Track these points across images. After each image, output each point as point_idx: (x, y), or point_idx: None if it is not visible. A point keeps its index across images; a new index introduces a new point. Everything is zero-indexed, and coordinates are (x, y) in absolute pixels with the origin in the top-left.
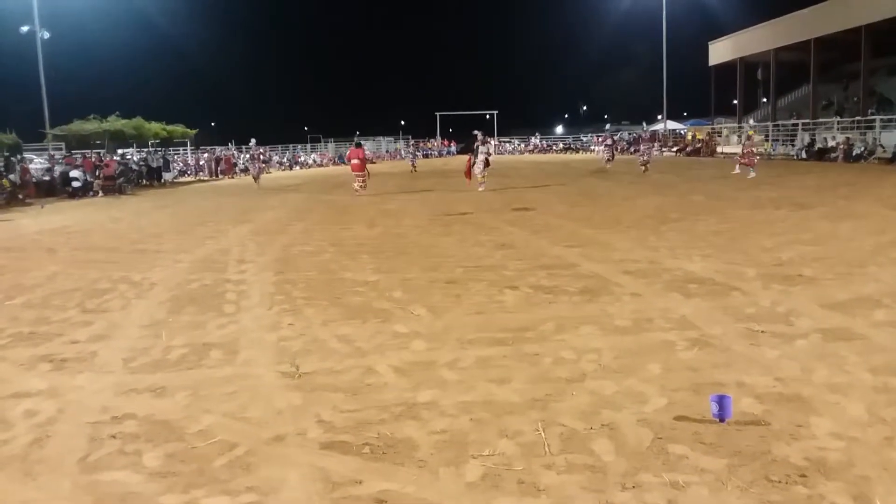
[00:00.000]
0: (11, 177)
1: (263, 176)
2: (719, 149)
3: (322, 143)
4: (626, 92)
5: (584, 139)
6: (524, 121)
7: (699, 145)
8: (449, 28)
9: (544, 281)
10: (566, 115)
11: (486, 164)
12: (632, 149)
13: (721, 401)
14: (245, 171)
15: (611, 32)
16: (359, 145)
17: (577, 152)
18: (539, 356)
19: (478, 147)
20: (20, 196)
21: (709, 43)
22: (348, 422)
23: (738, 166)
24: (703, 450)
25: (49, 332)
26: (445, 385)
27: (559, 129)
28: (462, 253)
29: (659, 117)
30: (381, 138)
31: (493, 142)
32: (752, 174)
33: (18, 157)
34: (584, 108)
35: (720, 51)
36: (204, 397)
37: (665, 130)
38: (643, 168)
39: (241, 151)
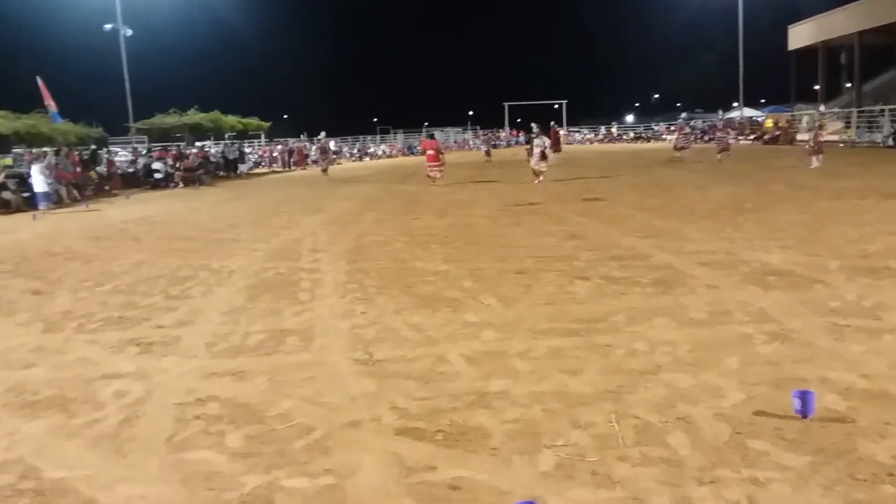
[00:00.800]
0: (99, 169)
1: (334, 167)
2: (799, 136)
3: (391, 134)
4: (700, 78)
5: (656, 128)
6: (594, 110)
7: (778, 133)
8: (517, 16)
9: (616, 272)
10: (637, 104)
11: (543, 156)
12: (706, 137)
13: (804, 396)
14: (316, 162)
15: (683, 17)
16: (431, 136)
17: (649, 141)
18: (611, 347)
19: (533, 140)
20: (107, 187)
21: (788, 27)
22: (421, 409)
23: (814, 158)
24: (785, 446)
25: (136, 317)
26: (517, 375)
27: (629, 118)
28: (532, 243)
29: (735, 104)
30: (449, 129)
31: (561, 131)
32: (816, 164)
33: (105, 150)
34: (656, 96)
35: (800, 34)
36: (282, 382)
37: (741, 118)
38: (719, 157)
39: (312, 143)
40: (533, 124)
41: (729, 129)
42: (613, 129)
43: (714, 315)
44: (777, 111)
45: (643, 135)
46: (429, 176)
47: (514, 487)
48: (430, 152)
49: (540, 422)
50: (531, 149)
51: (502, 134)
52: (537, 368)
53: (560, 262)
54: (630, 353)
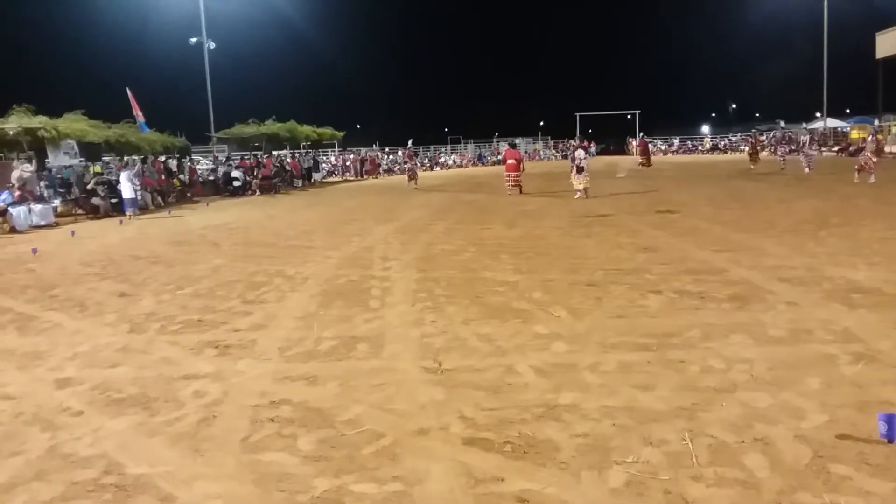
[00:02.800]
0: (181, 176)
1: (402, 177)
2: (887, 148)
3: (462, 144)
4: (780, 88)
5: (733, 138)
6: (668, 120)
7: (864, 144)
8: (589, 25)
9: (690, 286)
10: (713, 114)
11: (580, 169)
12: (786, 149)
13: (890, 420)
14: (389, 171)
15: (762, 23)
16: (514, 146)
17: (725, 152)
18: (685, 364)
19: (572, 154)
20: (188, 194)
21: (876, 34)
22: (490, 419)
23: (871, 175)
24: (869, 471)
25: (214, 321)
26: (587, 388)
27: (705, 129)
28: (603, 255)
29: (818, 115)
30: (519, 139)
31: (591, 148)
32: (872, 178)
33: (188, 158)
34: (733, 105)
35: (889, 42)
36: (352, 387)
37: (825, 129)
38: (806, 169)
39: (384, 153)
40: (576, 139)
41: (812, 142)
42: (707, 142)
43: (795, 333)
44: (863, 122)
45: (719, 145)
46: (507, 186)
47: (583, 503)
48: (511, 162)
49: (610, 437)
50: (581, 164)
51: (573, 144)
52: (608, 382)
53: (632, 275)
54: (705, 370)
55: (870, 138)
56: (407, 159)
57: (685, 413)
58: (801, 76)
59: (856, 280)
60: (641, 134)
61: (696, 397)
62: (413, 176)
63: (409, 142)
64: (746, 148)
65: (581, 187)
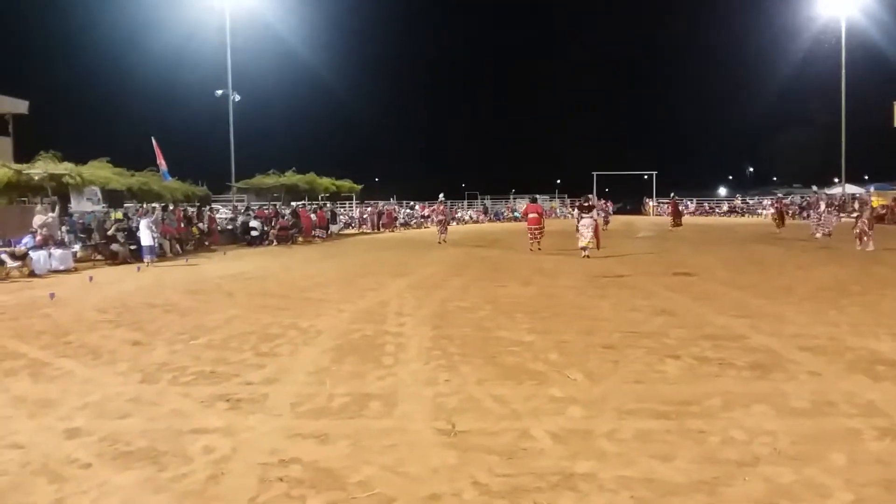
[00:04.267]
0: (200, 225)
1: (420, 231)
2: None
3: (478, 200)
4: (798, 152)
5: (751, 202)
6: (684, 181)
7: (884, 212)
8: (607, 84)
9: (709, 352)
10: (730, 177)
11: (577, 229)
12: (804, 214)
13: None
14: (405, 224)
15: (781, 88)
16: (534, 200)
17: (743, 215)
18: (705, 434)
19: (582, 213)
20: (206, 242)
21: (894, 102)
22: (504, 486)
23: (870, 242)
24: None
25: (227, 373)
26: (604, 457)
27: (722, 191)
28: (619, 317)
29: (836, 180)
30: (535, 196)
31: (608, 207)
32: (871, 247)
33: (208, 207)
34: (750, 169)
35: None
36: (364, 448)
37: (843, 195)
38: (822, 234)
39: (401, 206)
40: (537, 196)
41: (832, 208)
42: (738, 200)
43: (817, 405)
44: (883, 189)
45: (737, 208)
46: (531, 240)
47: None
48: (534, 215)
49: None
50: (580, 220)
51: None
52: (625, 451)
53: (648, 339)
54: (726, 442)
55: (866, 206)
56: (438, 213)
57: (706, 487)
58: (819, 141)
59: (879, 351)
60: (672, 195)
61: (717, 470)
62: (443, 230)
63: (441, 195)
64: (771, 211)
65: (582, 244)
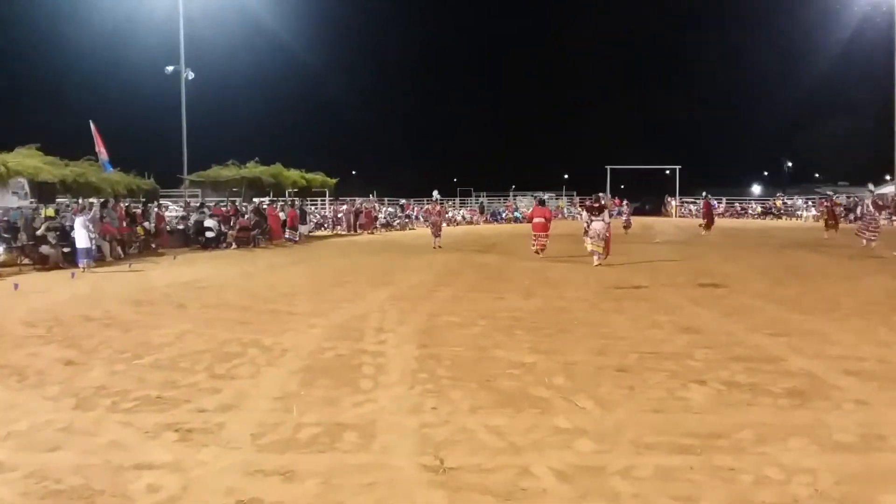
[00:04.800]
0: (147, 224)
1: (404, 233)
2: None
3: (473, 198)
4: (844, 145)
5: (789, 202)
6: (713, 178)
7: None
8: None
9: (740, 376)
10: (765, 173)
11: (587, 232)
12: (850, 216)
13: None
14: (387, 225)
15: (825, 71)
16: (542, 203)
17: (780, 217)
18: (735, 472)
19: (592, 214)
20: (153, 245)
21: None
22: None
23: (872, 242)
24: None
25: (176, 398)
26: (618, 498)
27: (756, 189)
28: (636, 335)
29: (888, 177)
30: (540, 194)
31: (626, 209)
32: (874, 244)
33: (155, 203)
34: (789, 164)
35: None
36: (336, 486)
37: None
38: (867, 241)
39: (382, 204)
40: (545, 197)
41: (881, 210)
42: (779, 201)
43: (865, 439)
44: None
45: (773, 209)
46: (534, 247)
47: None
48: (540, 220)
49: None
50: (589, 223)
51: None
52: (643, 492)
53: (670, 361)
54: (759, 482)
55: (868, 202)
56: (433, 213)
57: None
58: (868, 133)
59: None
60: (705, 194)
61: None
62: (437, 233)
63: (436, 192)
64: (821, 213)
65: (592, 249)
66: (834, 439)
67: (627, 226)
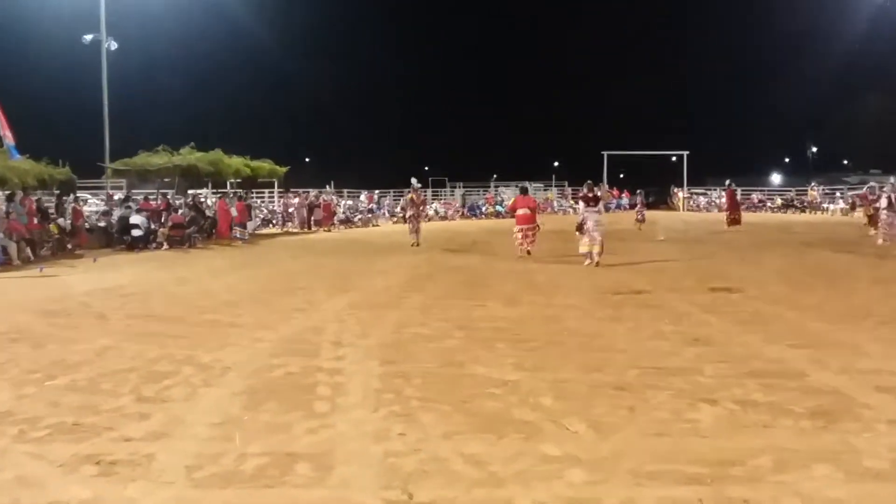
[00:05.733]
0: (61, 221)
1: (368, 230)
2: None
3: (447, 189)
4: (876, 129)
5: (815, 193)
6: (725, 165)
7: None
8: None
9: (756, 394)
10: (786, 160)
11: (580, 228)
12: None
13: None
14: (347, 221)
15: (854, 46)
16: (525, 192)
17: (804, 211)
18: None
19: (585, 207)
20: (69, 245)
21: None
22: None
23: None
24: None
25: (96, 425)
26: None
27: (776, 179)
28: (637, 348)
29: None
30: (526, 184)
31: (639, 200)
32: (881, 240)
33: (72, 196)
34: (814, 149)
35: None
36: None
37: None
38: (883, 240)
39: (341, 196)
40: (527, 185)
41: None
42: (815, 191)
43: None
44: None
45: (796, 202)
46: (519, 245)
47: None
48: (524, 212)
49: None
50: (583, 220)
51: (598, 193)
52: None
53: (676, 377)
54: None
55: (884, 196)
56: (411, 206)
57: None
58: None
59: None
60: (729, 182)
61: None
62: (416, 229)
63: (414, 180)
64: (861, 207)
65: (587, 250)
66: (864, 466)
67: (641, 220)
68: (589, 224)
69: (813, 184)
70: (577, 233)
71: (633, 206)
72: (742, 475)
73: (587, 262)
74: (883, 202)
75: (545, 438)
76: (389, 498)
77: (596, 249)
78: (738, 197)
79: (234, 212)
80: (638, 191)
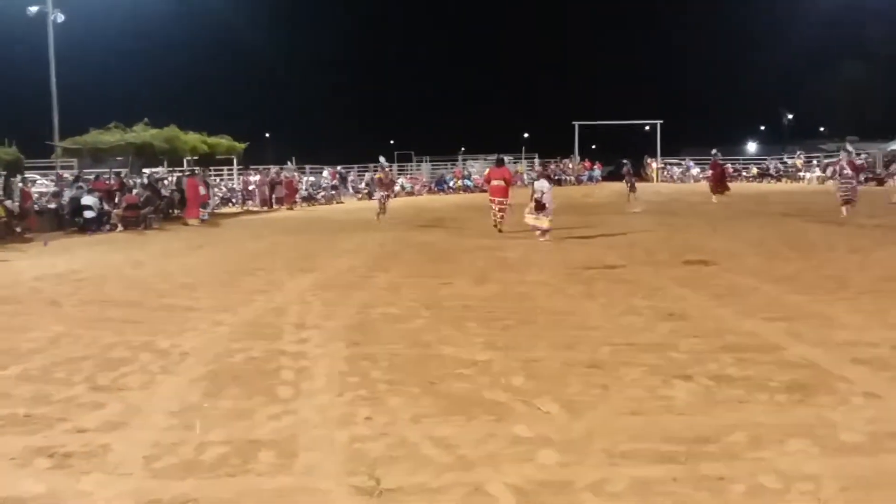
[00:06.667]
0: (8, 203)
1: (331, 207)
2: None
3: (414, 164)
4: (853, 96)
5: (790, 161)
6: (700, 134)
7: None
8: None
9: (731, 369)
10: (762, 127)
11: (540, 206)
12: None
13: None
14: (309, 199)
15: (830, 9)
16: (501, 162)
17: (779, 180)
18: (725, 482)
19: (533, 182)
20: (18, 228)
21: None
22: None
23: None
24: None
25: (49, 416)
26: None
27: (751, 147)
28: (610, 324)
29: None
30: (503, 157)
31: (654, 163)
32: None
33: (19, 177)
34: (790, 116)
35: None
36: None
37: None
38: (843, 203)
39: (303, 173)
40: (504, 157)
41: (858, 172)
42: (800, 160)
43: (876, 438)
44: None
45: (771, 171)
46: (494, 218)
47: None
48: (499, 183)
49: None
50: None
51: (570, 165)
52: None
53: (650, 354)
54: (753, 492)
55: (843, 162)
56: (379, 184)
57: None
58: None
59: None
60: (715, 151)
61: None
62: (383, 207)
63: (382, 158)
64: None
65: (536, 223)
66: (840, 440)
67: (632, 189)
68: (547, 198)
69: (798, 152)
70: (537, 213)
71: (620, 178)
72: (717, 452)
73: (546, 237)
74: (839, 169)
75: (517, 419)
76: (356, 484)
77: (544, 224)
78: (655, 168)
79: (202, 190)
80: (624, 161)
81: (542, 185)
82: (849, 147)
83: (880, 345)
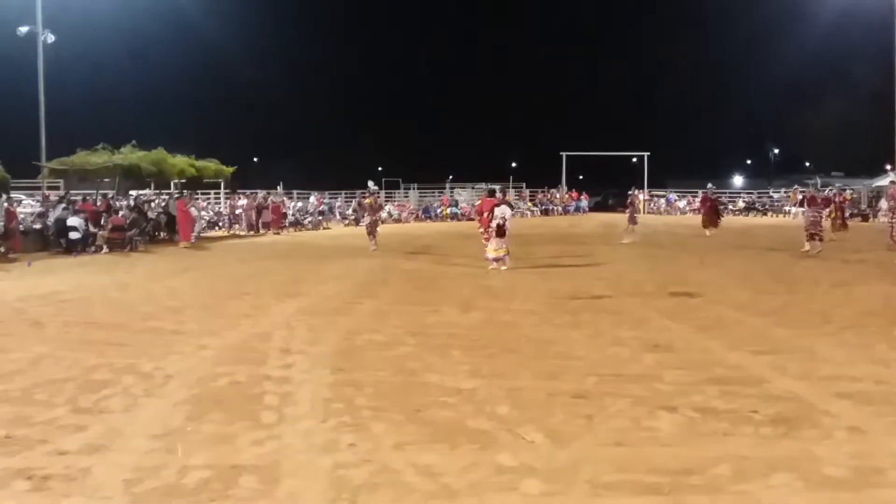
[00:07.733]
0: None
1: (319, 233)
2: None
3: (401, 191)
4: (838, 131)
5: (776, 195)
6: (686, 166)
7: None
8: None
9: (716, 402)
10: (748, 161)
11: (501, 232)
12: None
13: None
14: (297, 224)
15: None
16: (493, 193)
17: (765, 214)
18: None
19: (493, 208)
20: (2, 249)
21: None
22: None
23: (807, 243)
24: None
25: (29, 438)
26: None
27: (738, 181)
28: (595, 355)
29: (888, 167)
30: (482, 186)
31: (641, 195)
32: (819, 249)
33: (4, 196)
34: (776, 151)
35: None
36: None
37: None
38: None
39: (291, 198)
40: (496, 187)
41: (826, 205)
42: (797, 195)
43: (860, 473)
44: None
45: (757, 204)
46: (488, 258)
47: None
48: (488, 215)
49: None
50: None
51: (556, 196)
52: None
53: (635, 385)
54: None
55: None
56: (368, 210)
57: None
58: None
59: None
60: (710, 186)
61: None
62: (373, 231)
63: (371, 183)
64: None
65: (494, 255)
66: (824, 473)
67: (633, 221)
68: (508, 225)
69: (796, 186)
70: (496, 238)
71: (624, 208)
72: (701, 484)
73: (503, 266)
74: (801, 200)
75: (501, 448)
76: None
77: (501, 253)
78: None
79: (194, 211)
80: (634, 190)
81: (505, 211)
82: (816, 180)
83: (863, 379)
